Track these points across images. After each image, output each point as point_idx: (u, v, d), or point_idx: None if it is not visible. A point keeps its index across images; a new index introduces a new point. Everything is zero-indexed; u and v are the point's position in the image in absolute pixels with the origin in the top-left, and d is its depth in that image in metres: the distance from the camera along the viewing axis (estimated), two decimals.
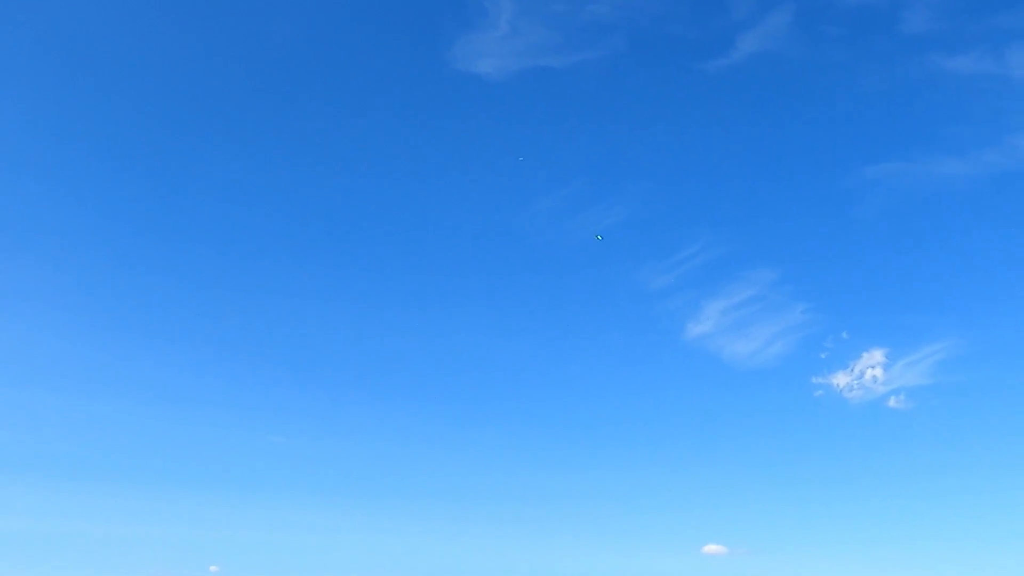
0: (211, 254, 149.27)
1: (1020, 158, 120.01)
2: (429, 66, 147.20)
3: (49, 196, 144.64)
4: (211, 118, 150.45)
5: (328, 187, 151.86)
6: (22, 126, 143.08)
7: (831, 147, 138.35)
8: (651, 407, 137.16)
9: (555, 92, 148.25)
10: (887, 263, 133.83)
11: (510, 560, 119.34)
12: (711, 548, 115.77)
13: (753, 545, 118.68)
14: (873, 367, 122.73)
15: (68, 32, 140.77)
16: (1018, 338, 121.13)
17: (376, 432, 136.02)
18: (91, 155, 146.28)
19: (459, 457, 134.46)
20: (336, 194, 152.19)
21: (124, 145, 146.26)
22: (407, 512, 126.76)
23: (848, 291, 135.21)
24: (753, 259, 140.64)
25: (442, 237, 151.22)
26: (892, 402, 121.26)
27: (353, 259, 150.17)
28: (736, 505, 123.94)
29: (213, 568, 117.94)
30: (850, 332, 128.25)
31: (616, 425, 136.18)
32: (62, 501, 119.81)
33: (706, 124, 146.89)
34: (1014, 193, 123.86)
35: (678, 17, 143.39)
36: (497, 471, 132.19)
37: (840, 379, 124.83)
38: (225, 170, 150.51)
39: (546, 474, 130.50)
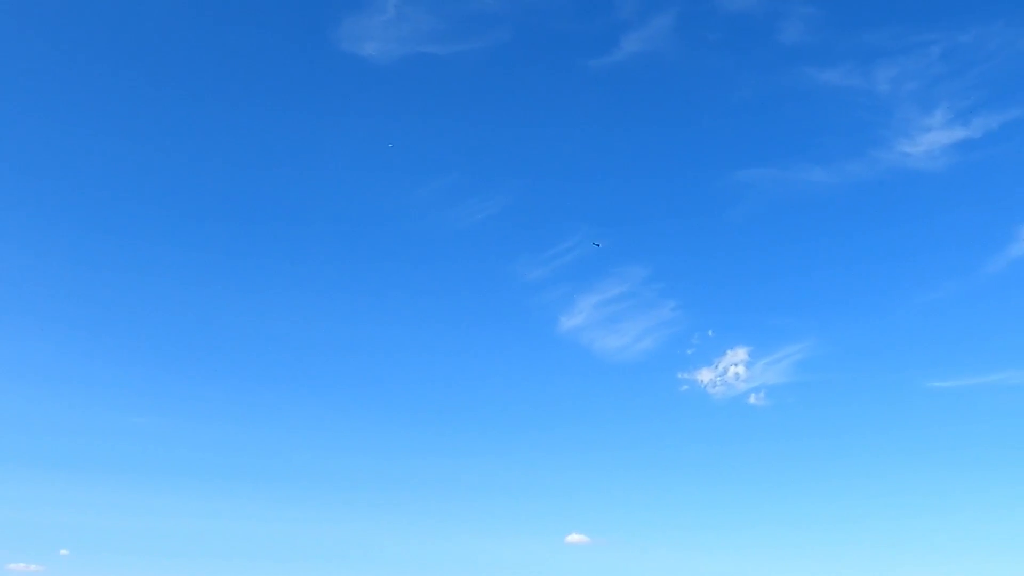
0: (72, 233, 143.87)
1: (881, 169, 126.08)
2: (314, 45, 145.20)
3: None
4: (89, 103, 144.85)
5: (204, 169, 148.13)
6: None
7: (706, 150, 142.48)
8: (522, 397, 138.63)
9: (438, 80, 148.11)
10: (754, 265, 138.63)
11: (374, 545, 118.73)
12: (574, 537, 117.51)
13: (615, 535, 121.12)
14: (736, 364, 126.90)
15: None
16: (869, 341, 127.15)
17: (242, 415, 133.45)
18: None
19: (327, 442, 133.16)
20: (212, 176, 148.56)
21: None
22: (269, 495, 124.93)
23: (716, 291, 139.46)
24: (626, 256, 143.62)
25: (317, 221, 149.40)
26: (752, 399, 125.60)
27: (226, 242, 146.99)
28: (600, 496, 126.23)
29: (63, 552, 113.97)
30: (716, 330, 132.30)
31: (486, 414, 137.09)
32: None
33: (587, 121, 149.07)
34: (874, 202, 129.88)
35: (564, 13, 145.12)
36: (366, 456, 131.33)
37: (705, 375, 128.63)
38: (100, 154, 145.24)
39: (415, 461, 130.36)
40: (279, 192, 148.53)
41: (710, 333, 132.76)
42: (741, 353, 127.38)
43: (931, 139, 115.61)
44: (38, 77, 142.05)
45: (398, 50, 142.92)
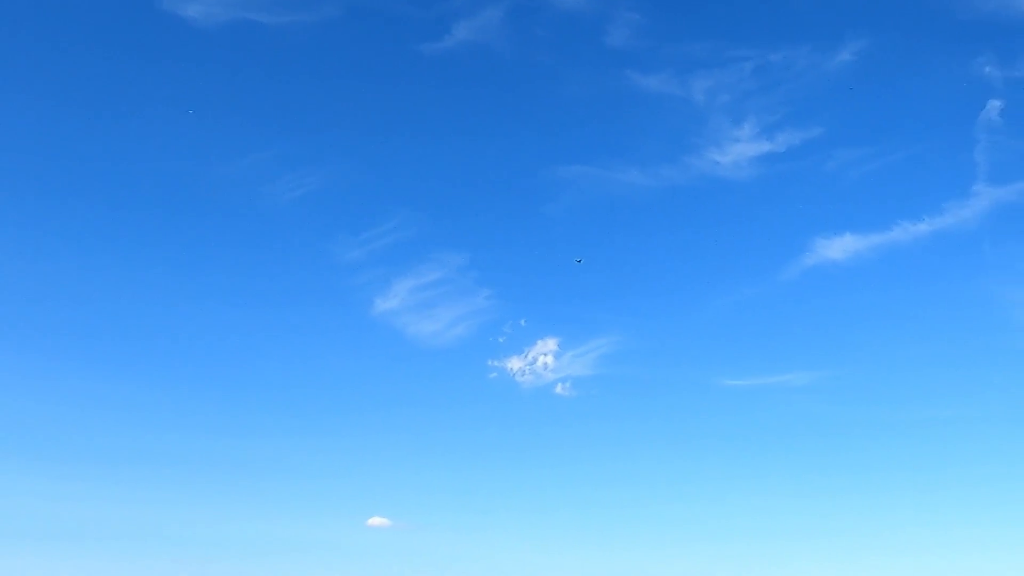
0: None
1: (692, 175, 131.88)
2: (134, 2, 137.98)
3: None
4: None
5: (11, 127, 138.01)
6: None
7: (529, 144, 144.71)
8: (331, 378, 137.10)
9: (262, 49, 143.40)
10: (568, 259, 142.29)
11: (167, 523, 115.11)
12: (376, 520, 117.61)
13: (418, 519, 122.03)
14: (545, 354, 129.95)
15: None
16: (671, 338, 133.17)
17: (47, 393, 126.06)
18: None
19: (131, 420, 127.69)
20: (21, 135, 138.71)
21: None
22: (74, 473, 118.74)
23: (530, 282, 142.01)
24: (445, 242, 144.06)
25: (122, 188, 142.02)
26: (559, 389, 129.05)
27: (31, 207, 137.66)
28: (405, 479, 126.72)
29: None
30: (528, 320, 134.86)
31: (293, 393, 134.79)
32: None
33: (413, 104, 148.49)
34: (684, 206, 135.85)
35: None
36: (162, 434, 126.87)
37: (514, 363, 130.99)
38: None
39: (215, 439, 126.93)
40: (83, 153, 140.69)
41: (522, 322, 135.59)
42: (551, 343, 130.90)
43: (739, 150, 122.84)
44: None
45: (222, 15, 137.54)
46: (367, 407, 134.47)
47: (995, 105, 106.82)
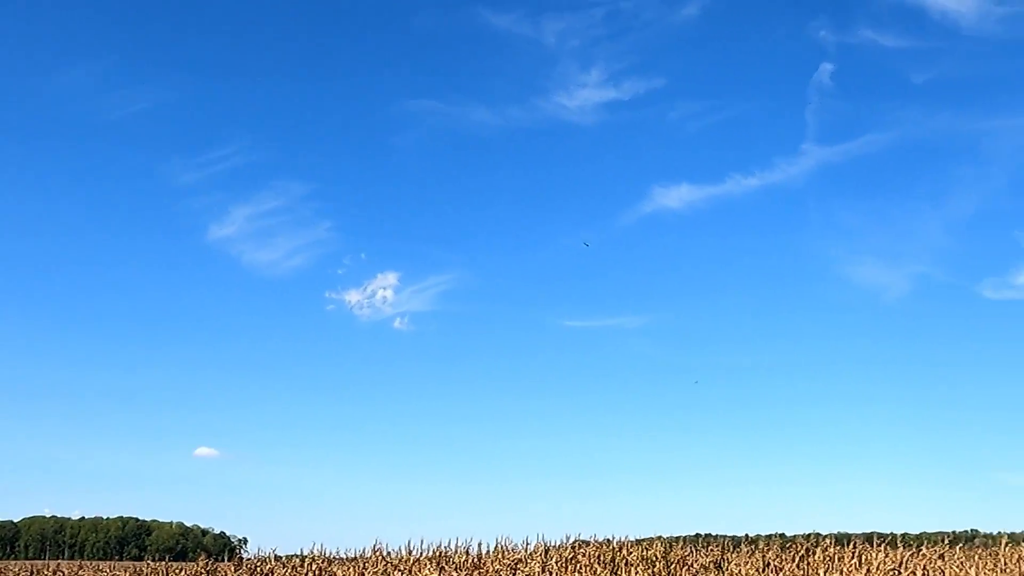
0: None
1: (539, 118, 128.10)
2: None
3: None
4: None
5: None
6: None
7: (378, 75, 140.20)
8: (161, 304, 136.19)
9: None
10: (412, 195, 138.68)
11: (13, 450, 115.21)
12: (203, 451, 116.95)
13: (246, 450, 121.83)
14: (385, 289, 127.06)
15: None
16: (511, 278, 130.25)
17: None
18: None
19: None
20: None
21: None
22: None
23: (373, 215, 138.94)
24: (286, 171, 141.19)
25: None
26: (398, 323, 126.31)
27: None
28: (233, 410, 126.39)
29: None
30: (368, 253, 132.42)
31: (120, 321, 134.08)
32: None
33: (260, 26, 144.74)
34: (530, 148, 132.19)
35: None
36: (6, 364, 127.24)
37: (353, 296, 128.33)
38: None
39: (36, 368, 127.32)
40: None
41: (363, 256, 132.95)
42: (391, 278, 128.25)
43: (586, 95, 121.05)
44: None
45: None
46: (197, 335, 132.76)
47: (827, 68, 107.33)
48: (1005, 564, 34.90)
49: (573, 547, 36.93)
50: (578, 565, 34.80)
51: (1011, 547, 37.78)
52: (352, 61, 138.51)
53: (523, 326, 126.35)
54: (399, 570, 35.45)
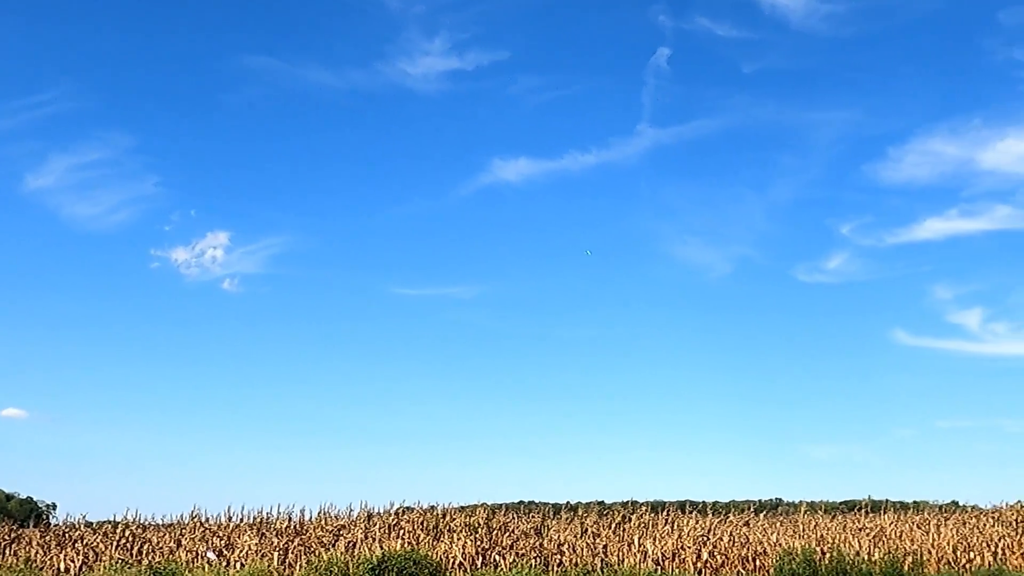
0: None
1: (380, 83, 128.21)
2: None
3: None
4: None
5: None
6: None
7: (212, 29, 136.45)
8: None
9: None
10: (247, 153, 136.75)
11: None
12: (10, 412, 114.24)
13: (58, 411, 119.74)
14: (215, 248, 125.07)
15: None
16: (344, 243, 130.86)
17: None
18: None
19: None
20: None
21: None
22: None
23: (204, 172, 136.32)
24: (111, 121, 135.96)
25: None
26: (227, 284, 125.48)
27: None
28: (45, 369, 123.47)
29: None
30: (198, 211, 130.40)
31: None
32: None
33: None
34: (370, 113, 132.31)
35: None
36: None
37: (180, 255, 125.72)
38: None
39: None
40: None
41: (192, 213, 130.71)
42: (222, 237, 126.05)
43: (429, 63, 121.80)
44: None
45: None
46: (7, 290, 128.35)
47: (664, 52, 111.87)
48: (803, 529, 37.28)
49: (397, 513, 37.08)
50: (401, 531, 34.98)
51: (808, 514, 40.41)
52: (186, 11, 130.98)
53: (355, 292, 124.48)
54: (218, 536, 34.71)
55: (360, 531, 34.67)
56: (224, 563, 32.42)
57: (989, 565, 35.54)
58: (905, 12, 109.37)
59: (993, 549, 36.61)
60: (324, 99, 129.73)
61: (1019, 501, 41.84)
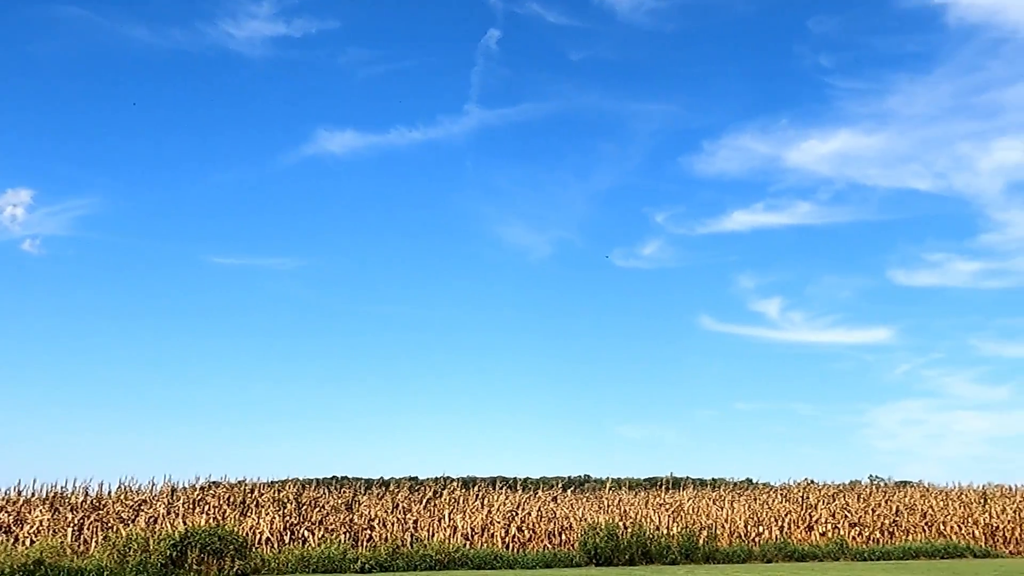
0: None
1: (203, 44, 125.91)
2: None
3: None
4: None
5: None
6: None
7: None
8: None
9: None
10: (56, 110, 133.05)
11: None
12: None
13: None
14: (16, 207, 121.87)
15: None
16: (159, 209, 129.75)
17: None
18: None
19: None
20: None
21: None
22: None
23: (6, 127, 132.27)
24: None
25: None
26: (27, 245, 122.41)
27: None
28: None
29: None
30: None
31: None
32: None
33: None
34: (191, 73, 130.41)
35: None
36: None
37: None
38: None
39: None
40: None
41: None
42: (24, 195, 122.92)
43: (255, 27, 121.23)
44: None
45: None
46: None
47: (494, 34, 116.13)
48: (607, 505, 38.68)
49: (202, 488, 36.01)
50: (207, 506, 34.03)
51: (613, 491, 41.95)
52: None
53: (168, 259, 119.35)
54: (6, 512, 32.76)
55: (163, 506, 33.50)
56: (12, 540, 30.65)
57: (776, 539, 37.97)
58: (723, 13, 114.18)
59: (780, 524, 39.11)
60: (141, 57, 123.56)
61: (806, 479, 44.78)
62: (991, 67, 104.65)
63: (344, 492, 37.00)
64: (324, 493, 36.85)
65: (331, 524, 33.35)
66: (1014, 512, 42.36)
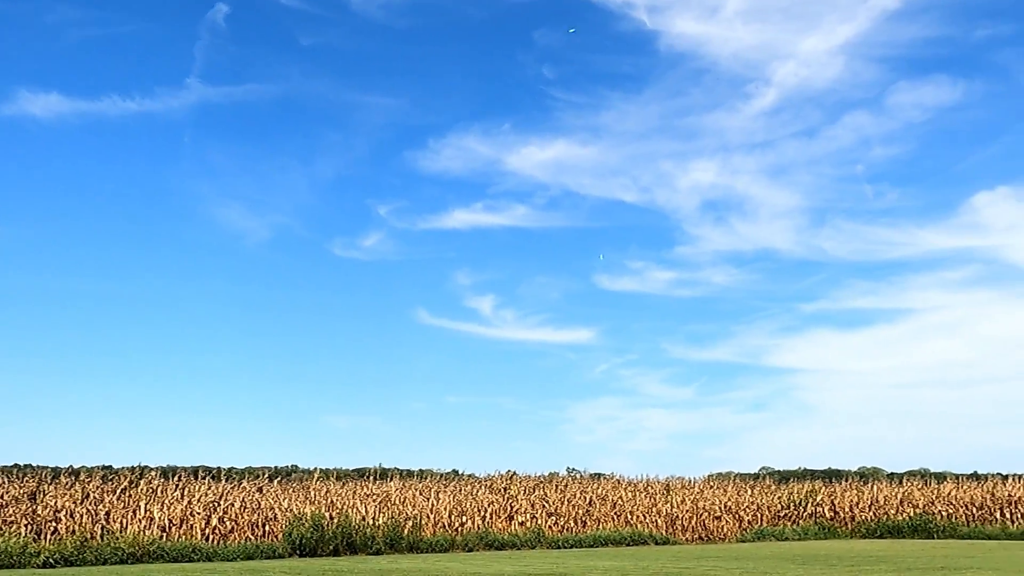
0: None
1: None
2: None
3: None
4: None
5: None
6: None
7: None
8: None
9: None
10: None
11: None
12: None
13: None
14: None
15: None
16: None
17: None
18: None
19: None
20: None
21: None
22: None
23: None
24: None
25: None
26: None
27: None
28: None
29: None
30: None
31: None
32: None
33: None
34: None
35: None
36: None
37: None
38: None
39: None
40: None
41: None
42: None
43: None
44: None
45: None
46: None
47: (223, 9, 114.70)
48: (314, 495, 38.34)
49: None
50: None
51: (321, 481, 41.62)
52: None
53: None
54: None
55: None
56: None
57: (478, 528, 39.23)
58: (455, 14, 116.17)
59: (483, 514, 40.44)
60: None
61: (509, 471, 46.56)
62: (693, 93, 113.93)
63: (27, 481, 34.23)
64: (4, 482, 33.94)
65: (10, 516, 30.81)
66: (692, 502, 46.34)
